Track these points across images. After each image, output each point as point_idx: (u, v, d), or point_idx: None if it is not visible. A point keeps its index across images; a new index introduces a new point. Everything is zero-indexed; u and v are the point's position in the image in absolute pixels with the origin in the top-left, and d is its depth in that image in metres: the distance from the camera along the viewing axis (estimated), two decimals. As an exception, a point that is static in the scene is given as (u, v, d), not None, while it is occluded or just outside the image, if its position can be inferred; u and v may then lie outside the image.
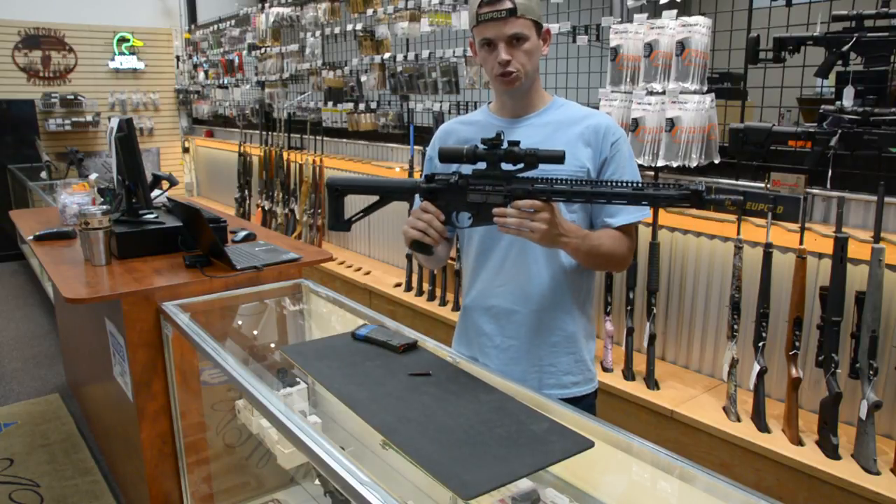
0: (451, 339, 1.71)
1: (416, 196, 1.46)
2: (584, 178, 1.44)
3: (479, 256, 1.56)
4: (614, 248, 1.44)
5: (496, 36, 1.38)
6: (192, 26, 7.01)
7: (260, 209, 5.26)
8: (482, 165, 1.33)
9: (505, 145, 1.28)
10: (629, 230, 1.49)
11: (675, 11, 2.33)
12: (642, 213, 1.48)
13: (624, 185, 1.23)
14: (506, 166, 1.30)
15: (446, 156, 1.34)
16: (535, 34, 1.41)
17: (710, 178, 2.39)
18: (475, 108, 3.47)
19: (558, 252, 1.46)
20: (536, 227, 1.26)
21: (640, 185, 1.22)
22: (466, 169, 1.37)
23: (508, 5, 1.35)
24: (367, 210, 1.50)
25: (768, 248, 2.09)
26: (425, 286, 3.44)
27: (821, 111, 2.02)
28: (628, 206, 1.41)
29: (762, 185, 2.21)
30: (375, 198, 1.51)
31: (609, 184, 1.24)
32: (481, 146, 1.30)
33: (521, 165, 1.28)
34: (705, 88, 2.34)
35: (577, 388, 1.56)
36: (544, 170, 1.30)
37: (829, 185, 2.07)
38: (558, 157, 1.24)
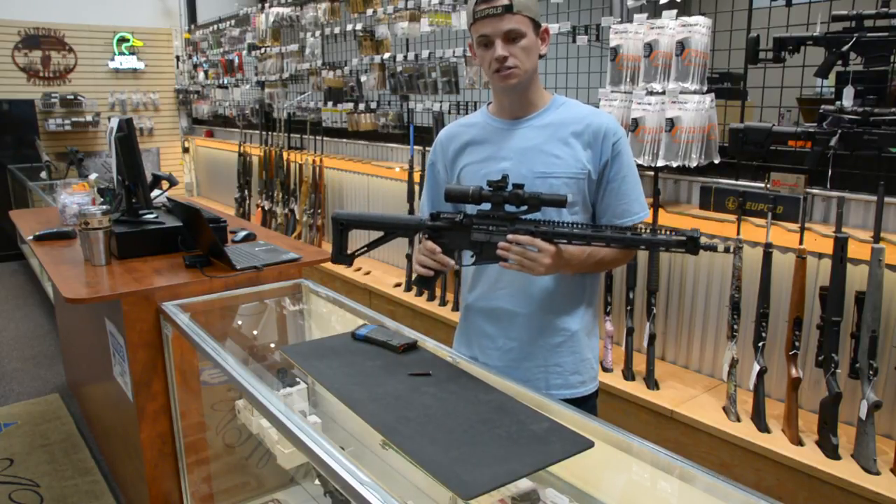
0: (452, 339, 1.71)
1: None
2: (584, 178, 1.44)
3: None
4: (616, 253, 1.46)
5: (492, 32, 1.38)
6: (192, 26, 7.01)
7: (260, 209, 5.26)
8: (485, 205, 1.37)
9: (510, 187, 1.32)
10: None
11: (675, 11, 2.32)
12: (643, 214, 1.49)
13: (623, 231, 1.27)
14: (509, 207, 1.34)
15: (452, 196, 1.38)
16: (533, 32, 1.41)
17: (710, 178, 2.39)
18: (475, 108, 3.49)
19: None
20: (538, 265, 1.31)
21: (637, 231, 1.26)
22: (471, 209, 1.40)
23: (504, 1, 1.35)
24: (371, 245, 1.54)
25: (768, 248, 2.09)
26: (425, 286, 3.43)
27: (821, 111, 2.02)
28: (633, 208, 1.47)
29: (762, 185, 2.21)
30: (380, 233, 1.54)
31: (608, 229, 1.28)
32: (486, 188, 1.33)
33: (524, 207, 1.32)
34: (705, 88, 2.34)
35: (583, 388, 1.56)
36: (544, 172, 1.32)
37: (829, 185, 2.07)
38: (560, 202, 1.29)
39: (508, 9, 1.35)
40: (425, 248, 1.42)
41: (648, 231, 1.24)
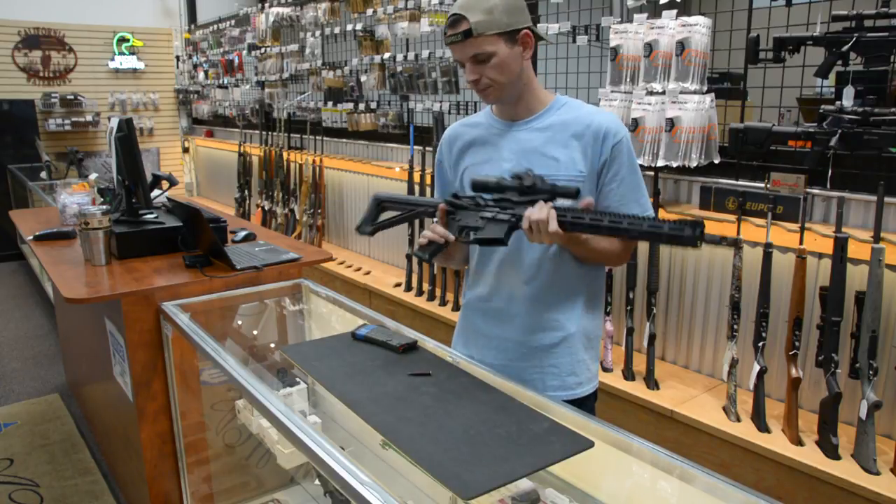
0: (451, 339, 1.71)
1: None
2: (584, 181, 1.44)
3: (481, 258, 1.57)
4: (611, 246, 1.46)
5: (460, 57, 1.41)
6: (192, 26, 7.01)
7: (260, 209, 5.26)
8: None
9: (530, 181, 1.34)
10: None
11: (675, 11, 2.32)
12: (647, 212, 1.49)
13: (621, 218, 1.25)
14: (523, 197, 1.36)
15: (477, 186, 1.41)
16: (506, 45, 1.39)
17: (710, 178, 2.39)
18: (475, 108, 3.50)
19: (558, 255, 1.47)
20: (543, 236, 1.31)
21: (637, 218, 1.24)
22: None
23: (464, 27, 1.36)
24: (393, 221, 1.58)
25: (768, 248, 2.09)
26: (425, 286, 3.44)
27: (821, 111, 2.02)
28: (632, 210, 1.46)
29: (762, 185, 2.21)
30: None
31: (606, 216, 1.27)
32: (508, 179, 1.36)
33: (538, 196, 1.34)
34: (705, 88, 2.34)
35: (581, 389, 1.56)
36: (543, 174, 1.34)
37: (829, 185, 2.07)
38: (572, 192, 1.31)
39: (468, 34, 1.36)
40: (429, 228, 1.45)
41: (648, 223, 1.22)
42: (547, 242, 1.33)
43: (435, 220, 1.48)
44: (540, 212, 1.28)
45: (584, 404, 1.57)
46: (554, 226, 1.28)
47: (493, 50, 1.38)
